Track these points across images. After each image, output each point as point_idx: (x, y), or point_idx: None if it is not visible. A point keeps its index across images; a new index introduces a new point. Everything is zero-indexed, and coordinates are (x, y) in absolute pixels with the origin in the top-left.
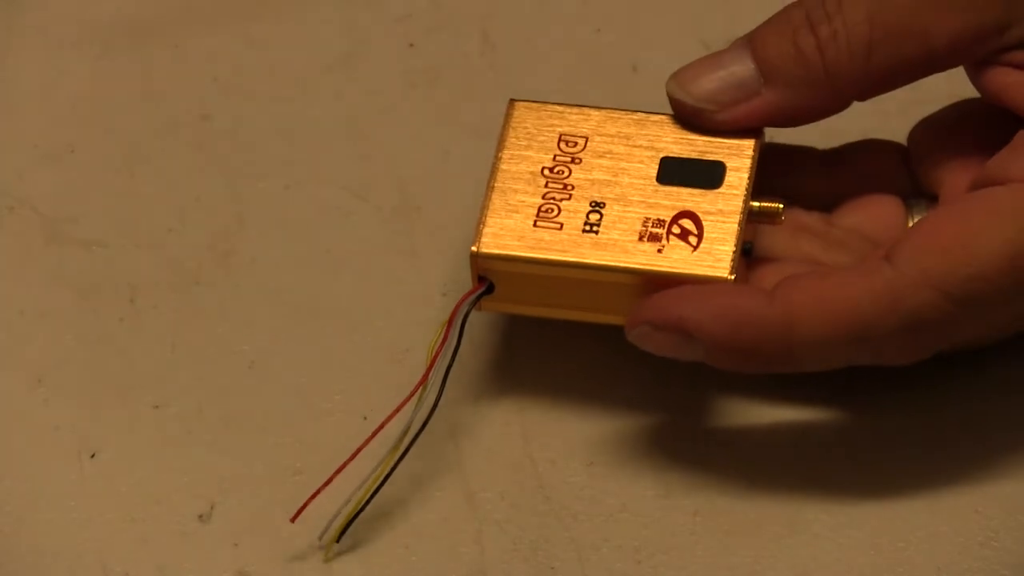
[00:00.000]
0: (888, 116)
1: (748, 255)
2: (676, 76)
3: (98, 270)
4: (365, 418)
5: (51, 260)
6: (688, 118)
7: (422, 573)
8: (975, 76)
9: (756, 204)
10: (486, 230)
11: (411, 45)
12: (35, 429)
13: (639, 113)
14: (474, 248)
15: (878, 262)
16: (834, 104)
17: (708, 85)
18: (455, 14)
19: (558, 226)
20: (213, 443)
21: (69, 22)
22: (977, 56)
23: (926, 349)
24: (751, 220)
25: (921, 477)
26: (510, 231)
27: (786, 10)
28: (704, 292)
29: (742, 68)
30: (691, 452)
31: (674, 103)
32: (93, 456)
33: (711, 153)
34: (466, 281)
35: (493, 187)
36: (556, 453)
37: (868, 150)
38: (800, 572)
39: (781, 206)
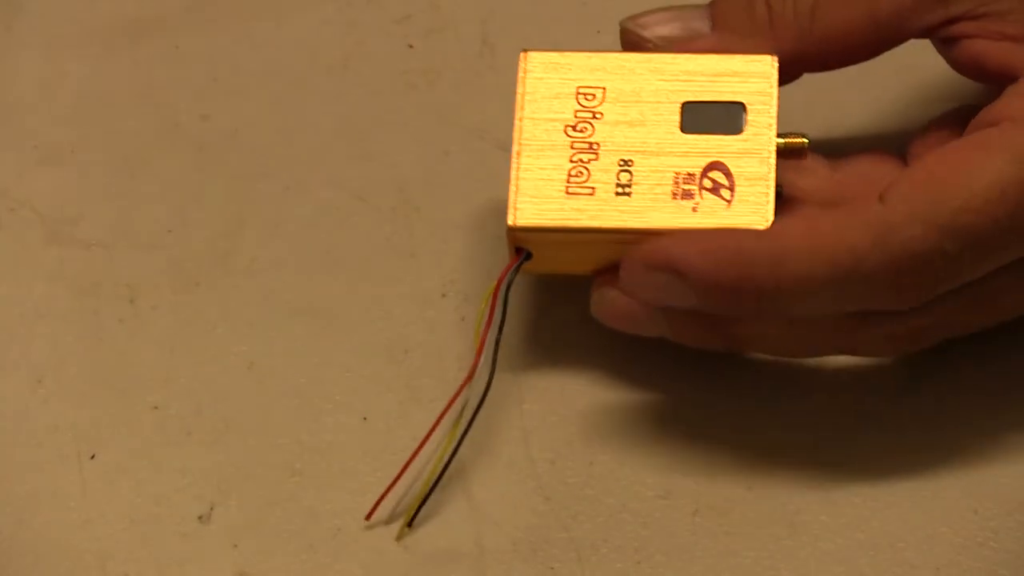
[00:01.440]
0: (888, 117)
1: (779, 198)
2: (634, 17)
3: (98, 270)
4: (365, 418)
5: (51, 260)
6: (631, 47)
7: (422, 573)
8: (947, 54)
9: (781, 141)
10: (519, 201)
11: (411, 46)
12: (35, 429)
13: (650, 55)
14: (510, 221)
15: (871, 200)
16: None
17: (660, 28)
18: (455, 15)
19: (590, 191)
20: (213, 443)
21: (69, 22)
22: (922, 26)
23: (922, 293)
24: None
25: (921, 478)
26: (543, 200)
27: None
28: (694, 233)
29: (698, 23)
30: (691, 452)
31: (624, 33)
32: (93, 456)
33: (729, 92)
34: (467, 280)
35: (519, 153)
36: (556, 453)
37: (871, 156)
38: (800, 572)
39: (806, 141)
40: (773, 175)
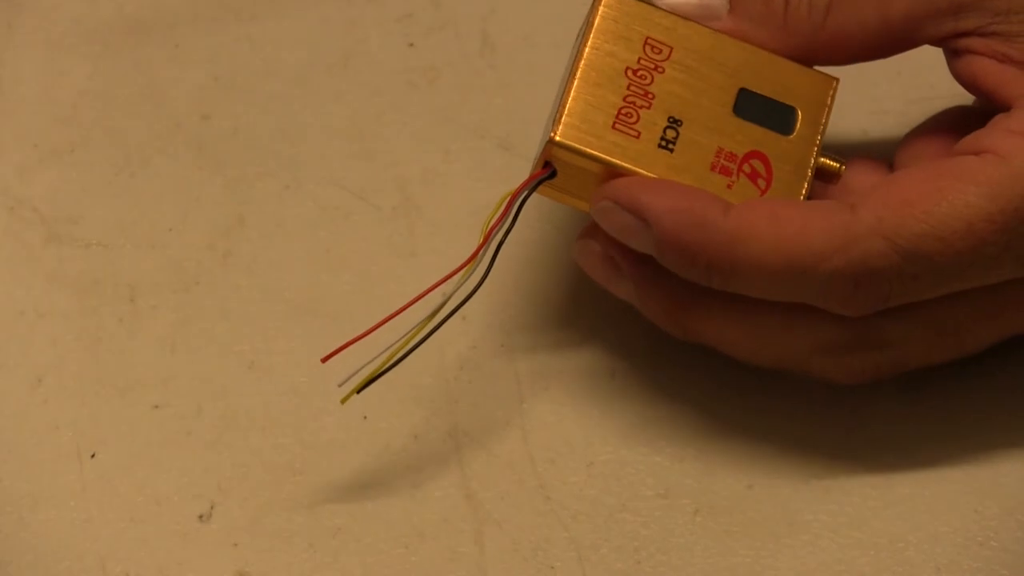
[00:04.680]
0: (887, 116)
1: None
2: None
3: (98, 270)
4: (365, 417)
5: (51, 260)
6: None
7: (422, 573)
8: (951, 65)
9: (822, 160)
10: (566, 119)
11: (411, 45)
12: (35, 429)
13: (721, 35)
14: (553, 135)
15: (840, 205)
16: (786, 52)
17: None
18: (455, 14)
19: (636, 134)
20: (213, 443)
21: (69, 22)
22: (933, 36)
23: (872, 304)
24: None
25: (921, 478)
26: (589, 127)
27: None
28: (669, 186)
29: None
30: (691, 452)
31: None
32: (93, 456)
33: (787, 95)
34: (466, 282)
35: (576, 76)
36: (556, 453)
37: (855, 165)
38: (800, 572)
39: (843, 167)
40: (808, 184)
